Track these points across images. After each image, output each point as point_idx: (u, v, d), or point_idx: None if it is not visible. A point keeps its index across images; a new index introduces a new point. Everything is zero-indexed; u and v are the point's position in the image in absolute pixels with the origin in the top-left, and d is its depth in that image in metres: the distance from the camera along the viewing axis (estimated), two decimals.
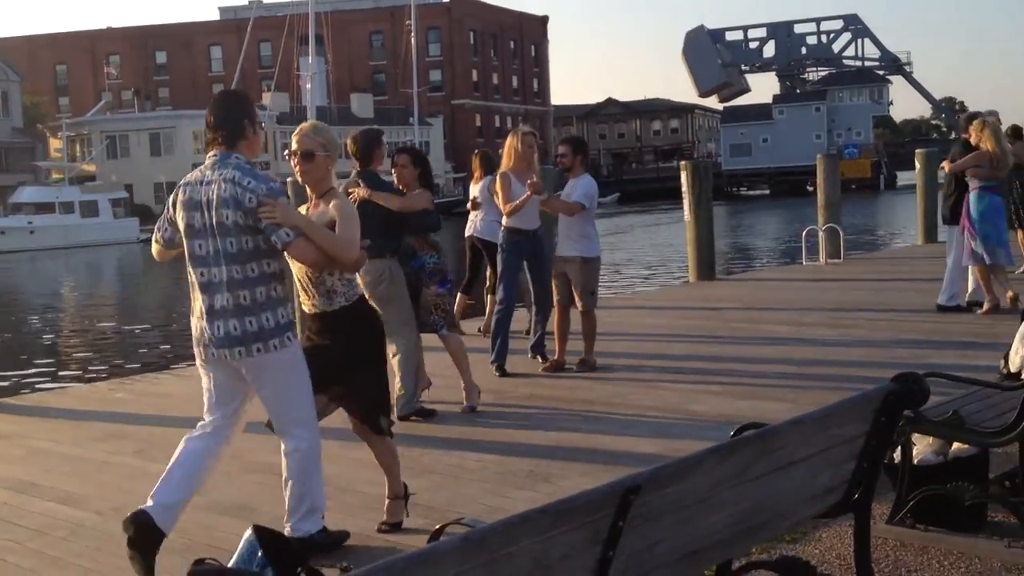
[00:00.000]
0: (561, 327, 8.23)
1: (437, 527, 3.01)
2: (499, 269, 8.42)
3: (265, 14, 65.75)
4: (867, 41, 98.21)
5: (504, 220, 8.22)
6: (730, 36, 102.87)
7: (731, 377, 7.78)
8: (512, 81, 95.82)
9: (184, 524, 4.69)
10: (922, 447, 4.63)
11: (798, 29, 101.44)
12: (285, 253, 4.28)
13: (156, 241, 4.52)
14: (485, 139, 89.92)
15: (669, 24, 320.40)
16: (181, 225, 4.31)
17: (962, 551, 4.25)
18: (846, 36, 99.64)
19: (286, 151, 4.62)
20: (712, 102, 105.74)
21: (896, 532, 4.44)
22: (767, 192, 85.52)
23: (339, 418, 4.88)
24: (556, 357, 8.25)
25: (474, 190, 10.19)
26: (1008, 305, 9.66)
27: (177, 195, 4.35)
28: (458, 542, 2.09)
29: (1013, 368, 5.22)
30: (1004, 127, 10.89)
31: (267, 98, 65.73)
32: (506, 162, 8.12)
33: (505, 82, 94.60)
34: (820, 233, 16.14)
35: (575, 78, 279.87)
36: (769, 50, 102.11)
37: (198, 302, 4.33)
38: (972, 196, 9.68)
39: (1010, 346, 5.66)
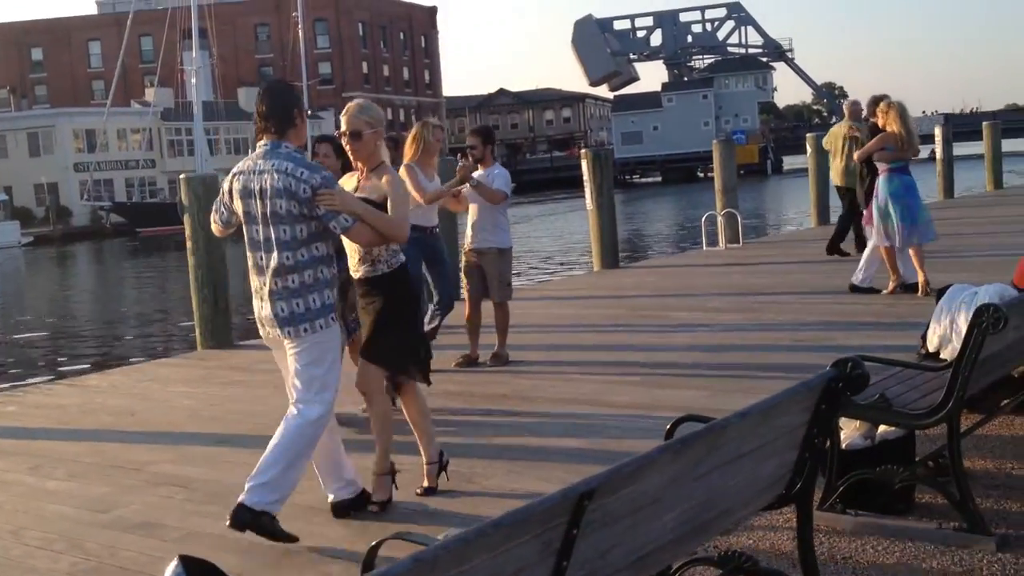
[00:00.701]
0: (473, 321, 8.09)
1: (373, 544, 2.83)
2: None
3: (145, 7, 63.82)
4: (750, 29, 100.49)
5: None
6: (618, 25, 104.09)
7: (645, 366, 7.73)
8: (403, 73, 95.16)
9: (85, 542, 4.41)
10: (849, 431, 4.62)
11: (684, 18, 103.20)
12: (343, 236, 4.57)
13: (214, 222, 4.79)
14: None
15: (557, 14, 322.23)
16: (240, 211, 4.55)
17: (894, 534, 4.25)
18: (730, 24, 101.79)
19: (336, 131, 4.90)
20: (603, 91, 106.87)
21: (827, 518, 4.42)
22: (659, 179, 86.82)
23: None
24: (470, 352, 8.11)
25: None
26: (921, 293, 9.64)
27: (232, 183, 4.57)
28: (410, 564, 1.94)
29: (932, 348, 5.28)
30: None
31: (150, 94, 63.99)
32: (411, 154, 7.92)
33: (396, 74, 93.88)
34: (719, 218, 16.33)
35: (466, 69, 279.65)
36: (656, 39, 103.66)
37: (255, 283, 4.58)
38: (881, 179, 9.78)
39: (924, 326, 5.74)
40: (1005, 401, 5.34)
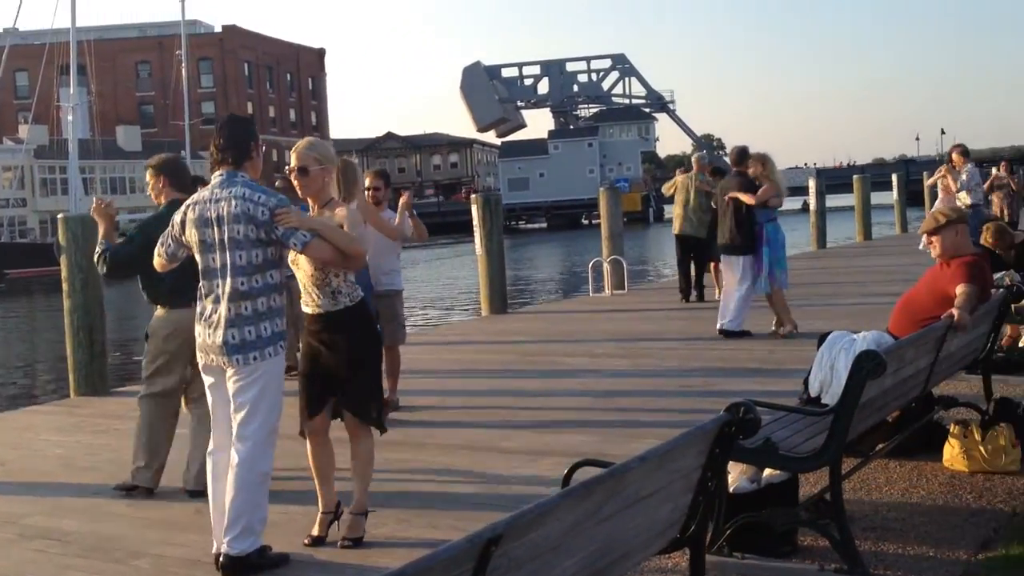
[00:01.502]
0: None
1: None
2: None
3: (21, 42, 61.81)
4: (634, 80, 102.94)
5: None
6: (506, 73, 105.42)
7: (535, 411, 7.79)
8: (290, 114, 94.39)
9: None
10: (736, 475, 4.73)
11: (570, 67, 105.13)
12: (302, 254, 4.62)
13: (159, 255, 4.85)
14: (264, 173, 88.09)
15: (446, 59, 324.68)
16: (194, 241, 4.62)
17: None
18: (615, 75, 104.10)
19: (286, 168, 5.00)
20: (491, 137, 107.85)
21: (714, 561, 4.48)
22: (544, 225, 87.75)
23: None
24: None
25: None
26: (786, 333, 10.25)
27: (187, 213, 4.66)
28: None
29: (813, 393, 5.47)
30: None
31: (24, 131, 61.84)
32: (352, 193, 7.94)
33: (282, 115, 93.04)
34: (605, 265, 16.60)
35: (355, 111, 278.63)
36: (543, 87, 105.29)
37: (205, 310, 4.62)
38: (770, 227, 10.34)
39: (802, 371, 5.95)
40: (881, 445, 5.56)
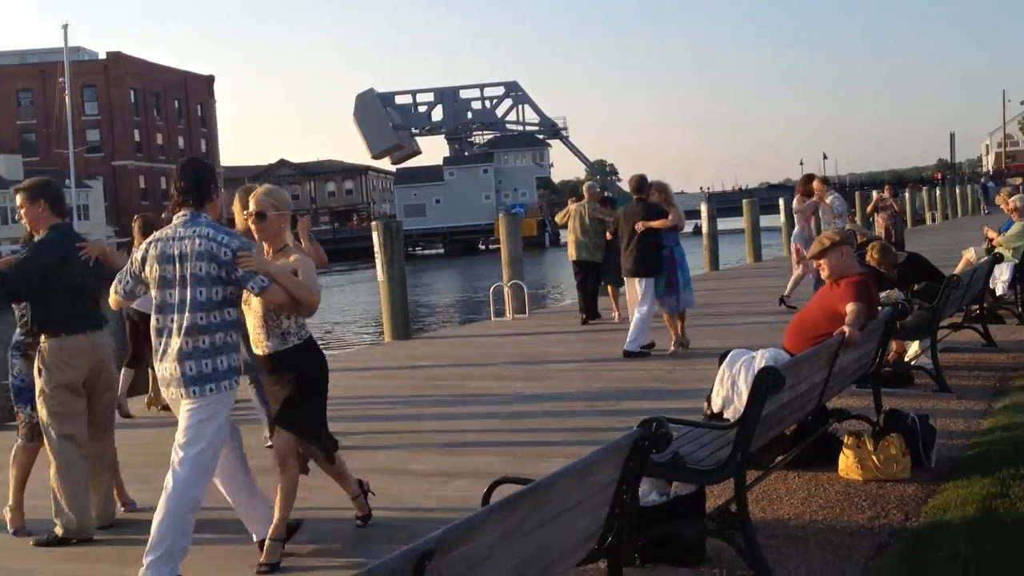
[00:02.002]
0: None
1: None
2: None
3: None
4: (527, 107, 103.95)
5: None
6: (400, 100, 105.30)
7: (444, 434, 7.85)
8: (178, 141, 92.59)
9: None
10: (646, 488, 4.89)
11: (464, 94, 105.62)
12: (258, 297, 4.83)
13: (115, 292, 5.01)
14: (151, 202, 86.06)
15: (339, 86, 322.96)
16: (154, 276, 4.80)
17: None
18: (508, 102, 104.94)
19: (244, 213, 5.24)
20: (385, 163, 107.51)
21: (627, 572, 4.63)
22: (442, 251, 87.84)
23: None
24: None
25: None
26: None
27: (148, 250, 4.85)
28: None
29: (716, 408, 5.68)
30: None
31: None
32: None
33: (171, 142, 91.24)
34: (506, 289, 16.76)
35: (246, 139, 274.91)
36: (437, 114, 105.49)
37: (160, 345, 4.79)
38: (678, 250, 10.91)
39: (701, 389, 6.17)
40: (780, 457, 5.79)
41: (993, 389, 8.33)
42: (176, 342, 4.73)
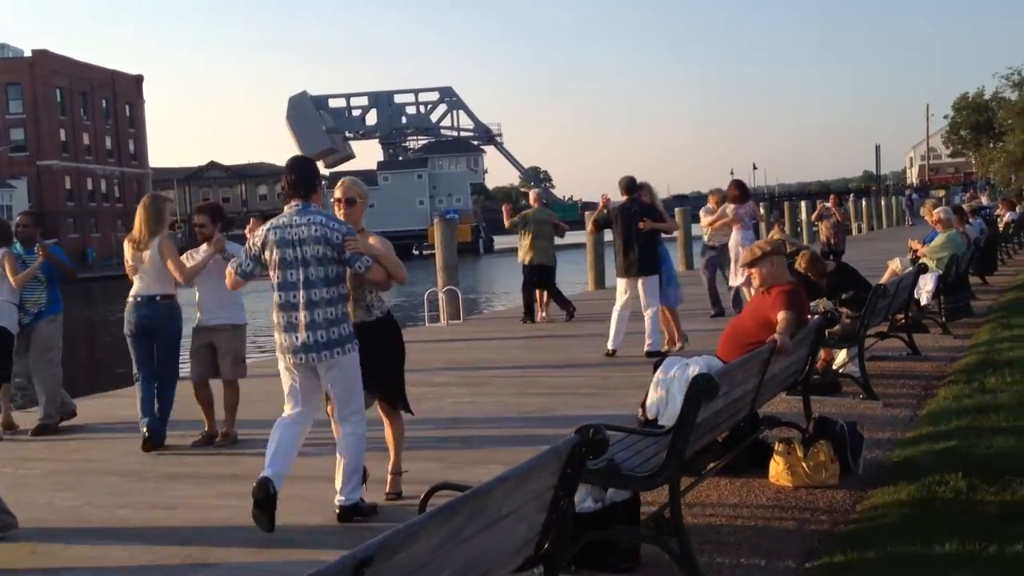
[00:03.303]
0: (205, 398, 7.91)
1: None
2: (176, 343, 8.01)
3: None
4: (462, 113, 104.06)
5: (165, 291, 7.80)
6: (333, 103, 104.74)
7: (379, 440, 7.71)
8: (106, 142, 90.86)
9: None
10: (581, 495, 4.90)
11: (398, 99, 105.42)
12: (362, 275, 5.53)
13: (234, 273, 5.73)
14: (77, 203, 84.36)
15: (271, 88, 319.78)
16: (275, 258, 5.49)
17: None
18: (443, 107, 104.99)
19: (332, 199, 5.92)
20: (319, 167, 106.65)
21: None
22: None
23: None
24: (208, 428, 7.92)
25: None
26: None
27: (268, 236, 5.53)
28: None
29: (650, 415, 5.73)
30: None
31: None
32: (165, 228, 7.81)
33: (98, 143, 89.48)
34: (440, 295, 16.73)
35: (176, 140, 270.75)
36: (371, 118, 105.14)
37: (286, 318, 5.50)
38: (662, 249, 11.31)
39: (639, 394, 6.22)
40: (713, 464, 5.86)
41: (918, 397, 8.53)
42: (303, 315, 5.43)
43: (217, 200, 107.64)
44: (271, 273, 5.54)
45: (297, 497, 6.25)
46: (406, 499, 5.90)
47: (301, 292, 5.43)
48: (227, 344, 7.80)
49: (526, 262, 14.98)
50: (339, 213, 5.82)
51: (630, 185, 11.27)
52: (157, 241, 7.66)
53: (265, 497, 5.34)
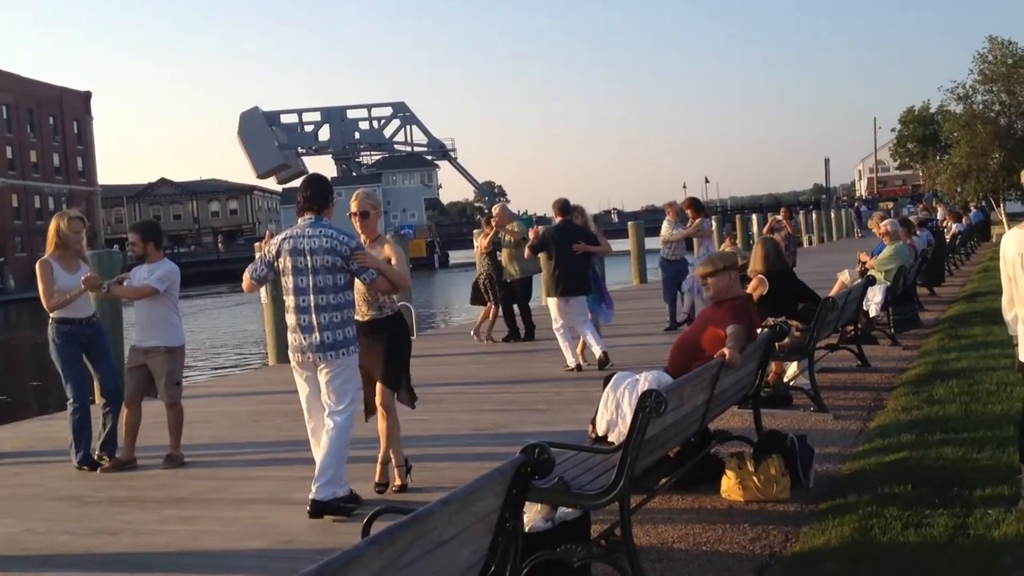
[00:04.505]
0: (132, 422, 7.75)
1: None
2: (59, 368, 7.76)
3: None
4: (416, 128, 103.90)
5: (51, 313, 7.64)
6: (285, 119, 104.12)
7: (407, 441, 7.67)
8: (53, 159, 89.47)
9: None
10: (531, 514, 4.84)
11: (351, 115, 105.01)
12: (369, 286, 6.15)
13: (249, 278, 6.20)
14: (25, 221, 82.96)
15: (222, 104, 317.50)
16: (287, 265, 6.00)
17: None
18: (396, 123, 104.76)
19: (348, 213, 6.53)
20: (271, 183, 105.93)
21: None
22: None
23: None
24: (124, 455, 7.72)
25: None
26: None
27: (282, 245, 6.05)
28: None
29: (600, 432, 5.68)
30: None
31: None
32: (50, 248, 7.63)
33: (45, 160, 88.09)
34: None
35: (126, 157, 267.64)
36: (324, 134, 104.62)
37: (297, 320, 6.01)
38: (595, 270, 11.68)
39: (591, 410, 6.17)
40: (664, 480, 5.83)
41: (868, 408, 8.57)
42: (312, 318, 5.93)
43: (168, 217, 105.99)
44: (283, 279, 6.04)
45: (243, 520, 6.14)
46: (350, 524, 5.74)
47: (312, 297, 5.93)
48: (161, 367, 7.66)
49: (515, 277, 14.53)
50: (356, 225, 6.47)
51: (564, 207, 11.55)
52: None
53: (318, 514, 5.89)
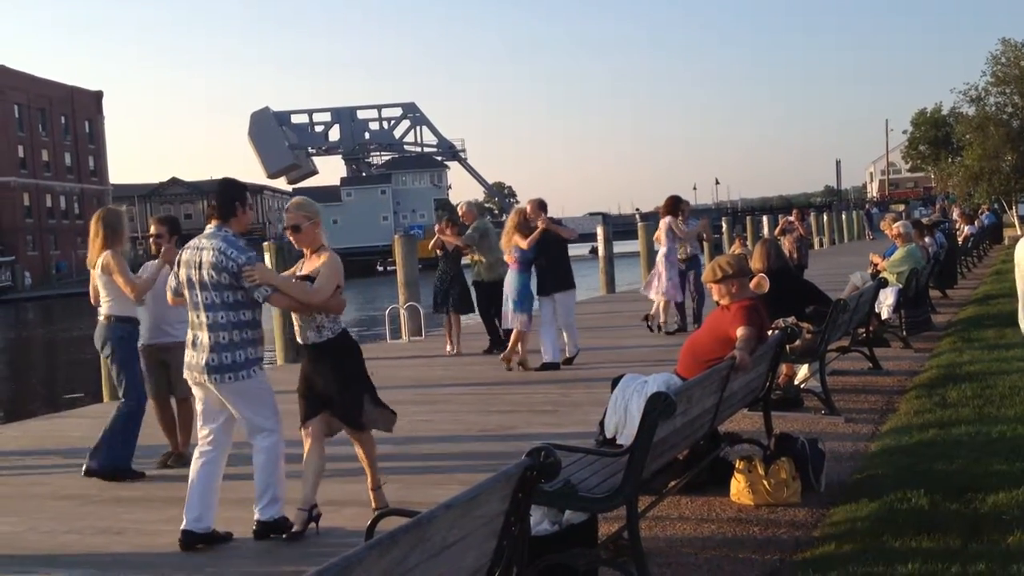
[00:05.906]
0: (166, 419, 7.75)
1: None
2: (119, 368, 7.54)
3: None
4: (425, 128, 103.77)
5: (114, 311, 7.50)
6: (296, 119, 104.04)
7: (335, 461, 7.48)
8: (65, 158, 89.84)
9: None
10: (537, 517, 4.78)
11: (361, 115, 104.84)
12: (265, 303, 5.56)
13: (169, 289, 5.82)
14: (36, 220, 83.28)
15: (234, 104, 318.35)
16: (183, 278, 5.60)
17: None
18: (406, 123, 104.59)
19: (282, 227, 5.40)
20: (281, 183, 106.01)
21: None
22: None
23: None
24: (173, 447, 7.75)
25: None
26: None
27: (183, 255, 5.66)
28: None
29: (609, 434, 5.62)
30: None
31: None
32: (102, 244, 7.61)
33: (57, 159, 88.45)
34: (401, 311, 16.56)
35: (137, 156, 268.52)
36: (335, 134, 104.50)
37: (191, 337, 5.62)
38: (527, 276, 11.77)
39: (600, 412, 6.11)
40: (673, 482, 5.76)
41: (880, 412, 8.49)
42: (203, 336, 5.51)
43: (179, 216, 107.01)
44: (185, 292, 5.64)
45: (246, 520, 6.09)
46: (358, 523, 5.70)
47: (203, 314, 5.53)
48: (180, 361, 7.60)
49: (490, 280, 13.30)
50: (292, 240, 5.90)
51: (542, 206, 11.76)
52: (102, 258, 7.40)
53: (188, 547, 5.47)
